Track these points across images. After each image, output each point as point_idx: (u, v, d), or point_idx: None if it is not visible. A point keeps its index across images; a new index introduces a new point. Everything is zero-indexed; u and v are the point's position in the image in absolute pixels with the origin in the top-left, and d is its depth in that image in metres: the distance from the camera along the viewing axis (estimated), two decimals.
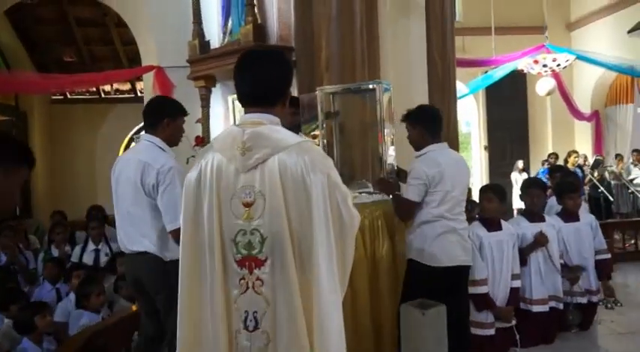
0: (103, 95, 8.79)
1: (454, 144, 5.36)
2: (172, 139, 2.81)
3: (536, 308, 3.68)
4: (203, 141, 4.84)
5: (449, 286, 3.03)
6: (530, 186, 3.99)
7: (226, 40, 4.75)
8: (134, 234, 2.69)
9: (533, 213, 3.90)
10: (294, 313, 1.64)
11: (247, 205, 1.71)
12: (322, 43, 3.88)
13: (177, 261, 1.80)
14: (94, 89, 8.43)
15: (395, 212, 3.19)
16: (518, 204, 7.89)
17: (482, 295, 3.42)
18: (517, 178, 9.41)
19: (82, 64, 7.97)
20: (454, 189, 3.00)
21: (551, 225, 3.89)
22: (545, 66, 8.14)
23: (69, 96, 8.74)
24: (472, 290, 3.36)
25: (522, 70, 8.56)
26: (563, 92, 9.71)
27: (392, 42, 5.17)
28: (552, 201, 4.67)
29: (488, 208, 3.57)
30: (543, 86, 8.71)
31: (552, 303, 3.76)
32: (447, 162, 3.00)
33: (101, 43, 6.51)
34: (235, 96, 4.70)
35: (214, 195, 1.73)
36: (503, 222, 3.63)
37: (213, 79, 4.84)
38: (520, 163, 9.66)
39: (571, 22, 11.56)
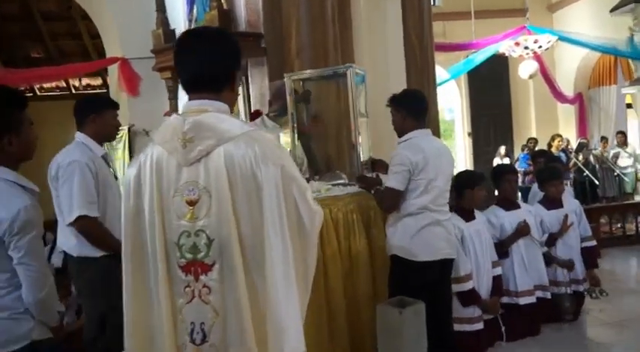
0: (73, 91, 8.49)
1: (435, 132, 5.18)
2: (103, 134, 2.73)
3: (523, 301, 3.54)
4: None
5: (434, 280, 2.89)
6: (505, 172, 3.83)
7: (193, 28, 4.52)
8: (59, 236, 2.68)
9: (508, 201, 3.74)
10: (246, 324, 1.46)
11: (191, 203, 1.51)
12: (292, 29, 3.70)
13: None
14: (64, 85, 8.13)
15: (378, 205, 3.01)
16: None
17: (468, 291, 3.27)
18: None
19: (49, 59, 7.68)
20: (437, 178, 2.83)
21: (528, 211, 3.75)
22: (526, 48, 7.97)
23: (38, 93, 8.43)
24: (457, 287, 3.21)
25: (504, 53, 8.39)
26: (546, 75, 9.58)
27: (367, 26, 4.98)
28: (535, 188, 4.54)
29: (478, 197, 3.41)
30: (525, 69, 8.56)
31: (539, 293, 3.63)
32: (430, 150, 2.83)
33: (68, 37, 6.24)
34: None
35: (155, 193, 1.54)
36: (475, 210, 3.48)
37: None
38: (502, 149, 9.53)
39: (552, 3, 11.42)
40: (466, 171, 3.65)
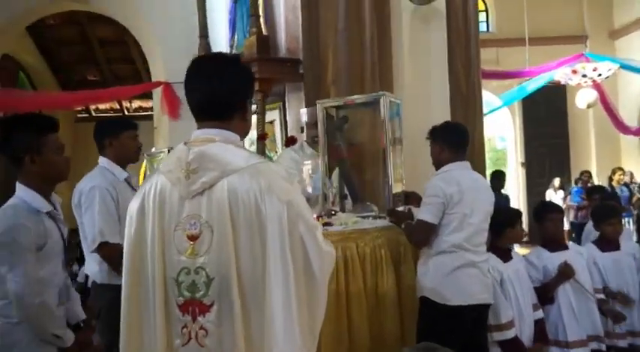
0: (126, 112, 8.81)
1: (480, 165, 4.94)
2: (123, 156, 2.68)
3: None
4: None
5: (467, 328, 2.68)
6: (548, 211, 3.51)
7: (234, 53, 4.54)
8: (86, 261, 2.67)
9: (554, 242, 3.43)
10: None
11: (192, 238, 1.43)
12: (329, 55, 3.66)
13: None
14: (118, 107, 8.44)
15: (408, 239, 2.85)
16: None
17: (511, 340, 2.98)
18: (552, 197, 8.79)
19: (104, 83, 8.01)
20: (473, 214, 2.65)
21: (578, 253, 3.42)
22: (584, 76, 7.58)
23: (93, 114, 8.80)
24: (499, 335, 2.92)
25: (559, 82, 8.02)
26: (606, 104, 9.07)
27: (410, 54, 4.86)
28: (589, 226, 4.20)
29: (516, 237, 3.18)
30: (583, 98, 8.13)
31: (594, 345, 3.25)
32: (467, 183, 2.68)
33: (123, 61, 6.48)
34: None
35: (156, 225, 1.47)
36: (512, 250, 3.24)
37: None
38: (557, 181, 9.05)
39: (614, 30, 10.90)
40: (503, 209, 3.40)
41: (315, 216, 3.04)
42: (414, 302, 2.84)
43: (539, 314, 3.18)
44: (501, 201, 6.33)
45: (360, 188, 3.34)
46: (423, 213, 2.66)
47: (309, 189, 3.31)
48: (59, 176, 2.10)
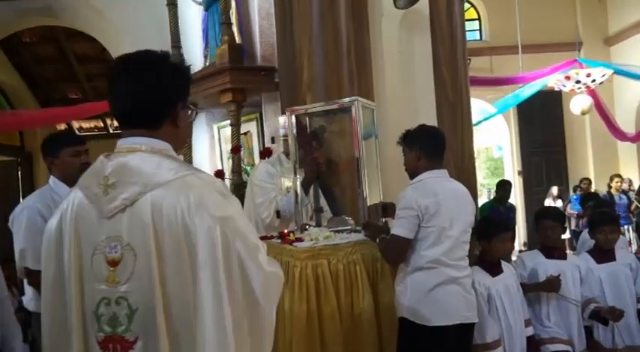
0: (110, 130, 8.64)
1: (470, 175, 4.73)
2: (68, 174, 2.43)
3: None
4: None
5: (450, 349, 2.48)
6: (543, 217, 3.31)
7: (208, 63, 4.38)
8: None
9: (550, 248, 3.23)
10: None
11: (113, 264, 1.24)
12: (304, 62, 3.50)
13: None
14: (102, 124, 8.27)
15: (382, 256, 2.62)
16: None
17: None
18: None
19: (86, 100, 7.83)
20: (452, 226, 2.44)
21: (575, 265, 3.21)
22: (578, 82, 7.42)
23: (78, 133, 8.64)
24: None
25: (553, 88, 7.85)
26: (601, 110, 8.90)
27: (392, 60, 4.70)
28: (585, 234, 3.99)
29: (504, 249, 2.96)
30: (578, 104, 7.97)
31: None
32: (444, 193, 2.46)
33: (104, 78, 6.31)
34: (222, 124, 4.36)
35: (73, 250, 1.28)
36: (503, 262, 3.01)
37: (194, 107, 4.45)
38: (554, 190, 8.83)
39: (609, 37, 10.75)
40: (489, 218, 3.19)
41: (285, 231, 2.87)
42: (393, 323, 2.62)
43: (530, 330, 2.98)
44: (508, 213, 6.16)
45: (337, 200, 3.13)
46: (397, 227, 2.45)
47: (285, 204, 3.08)
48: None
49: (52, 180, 2.47)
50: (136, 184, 1.24)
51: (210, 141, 4.79)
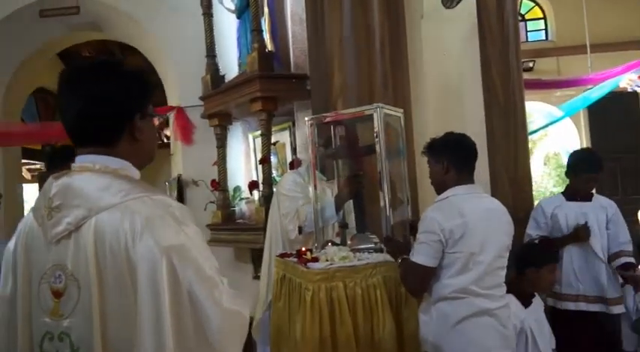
0: (165, 140, 8.78)
1: (525, 186, 4.35)
2: None
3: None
4: (219, 185, 4.34)
5: None
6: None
7: (240, 72, 4.29)
8: None
9: (575, 190, 3.10)
10: None
11: (57, 295, 1.12)
12: (335, 67, 3.33)
13: None
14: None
15: (402, 283, 2.34)
16: None
17: None
18: None
19: None
20: (483, 251, 2.11)
21: (601, 207, 3.03)
22: None
23: None
24: None
25: (625, 88, 7.19)
26: None
27: (437, 64, 4.40)
28: None
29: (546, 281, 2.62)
30: None
31: (597, 307, 2.95)
32: (474, 213, 2.14)
33: (157, 89, 6.42)
34: (256, 133, 4.24)
35: (22, 277, 1.17)
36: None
37: (228, 116, 4.39)
38: None
39: None
40: (533, 244, 2.84)
41: (303, 248, 2.67)
42: None
43: None
44: None
45: (362, 216, 2.89)
46: (417, 254, 2.16)
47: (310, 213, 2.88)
48: None
49: None
50: (80, 207, 1.11)
51: (245, 151, 4.70)
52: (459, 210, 2.14)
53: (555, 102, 9.14)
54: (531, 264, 2.54)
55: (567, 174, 3.19)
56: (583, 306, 2.95)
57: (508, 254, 2.27)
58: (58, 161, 2.44)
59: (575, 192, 3.11)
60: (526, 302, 2.51)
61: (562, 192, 3.21)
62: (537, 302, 2.59)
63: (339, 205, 2.83)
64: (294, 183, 3.06)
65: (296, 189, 3.02)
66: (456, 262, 2.11)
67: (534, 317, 2.50)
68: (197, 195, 4.54)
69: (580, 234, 2.92)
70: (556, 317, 2.85)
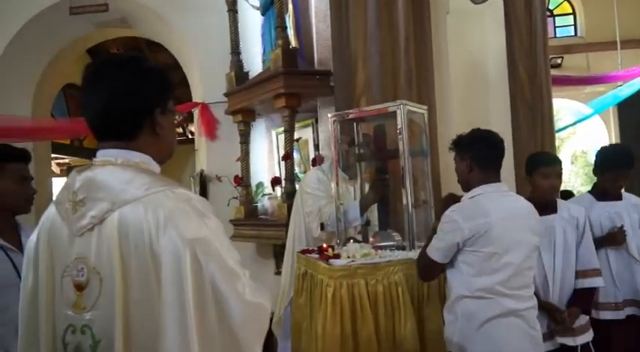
0: (189, 136, 8.89)
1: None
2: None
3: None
4: (242, 181, 4.37)
5: None
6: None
7: (264, 68, 4.30)
8: None
9: (603, 190, 2.96)
10: None
11: (79, 288, 1.14)
12: (358, 64, 3.32)
13: None
14: (181, 130, 8.54)
15: (416, 263, 2.32)
16: None
17: None
18: None
19: None
20: (509, 251, 2.06)
21: (634, 205, 2.91)
22: None
23: None
24: None
25: None
26: None
27: (463, 61, 4.35)
28: None
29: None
30: None
31: (630, 310, 2.81)
32: (499, 212, 2.09)
33: (182, 86, 6.50)
34: (280, 129, 4.26)
35: (45, 270, 1.19)
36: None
37: (252, 112, 4.40)
38: None
39: None
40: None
41: (325, 245, 2.67)
42: None
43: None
44: None
45: (385, 215, 2.88)
46: (433, 249, 2.14)
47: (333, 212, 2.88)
48: (12, 206, 1.95)
49: None
50: (104, 201, 1.12)
51: (269, 148, 4.72)
52: (483, 210, 2.09)
53: (584, 99, 8.96)
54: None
55: (595, 171, 3.03)
56: (622, 314, 2.80)
57: (536, 253, 2.22)
58: None
59: (604, 191, 2.95)
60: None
61: (589, 192, 3.05)
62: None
63: (363, 208, 2.82)
64: (317, 180, 3.06)
65: (319, 187, 3.02)
66: (478, 260, 2.07)
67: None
68: (220, 190, 4.58)
69: (617, 238, 2.78)
70: (595, 328, 2.65)
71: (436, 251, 2.12)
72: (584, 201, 2.95)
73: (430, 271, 2.20)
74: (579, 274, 2.62)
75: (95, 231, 1.12)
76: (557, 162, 2.74)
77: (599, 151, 3.08)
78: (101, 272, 1.10)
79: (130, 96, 1.18)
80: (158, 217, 1.07)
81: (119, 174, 1.15)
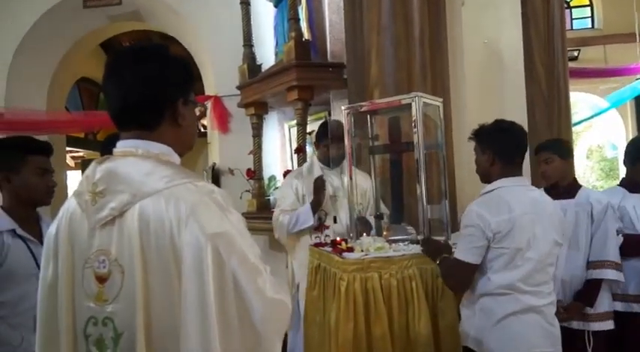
0: (202, 129, 8.91)
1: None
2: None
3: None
4: (254, 174, 4.37)
5: None
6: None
7: (276, 61, 4.28)
8: None
9: (634, 181, 2.88)
10: None
11: (101, 280, 1.13)
12: (372, 56, 3.27)
13: None
14: None
15: (444, 282, 2.28)
16: None
17: None
18: None
19: None
20: (531, 247, 2.01)
21: None
22: None
23: None
24: None
25: None
26: None
27: (478, 53, 4.29)
28: None
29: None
30: None
31: None
32: (522, 207, 2.03)
33: (196, 78, 6.52)
34: (292, 122, 4.25)
35: (65, 262, 1.18)
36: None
37: (265, 105, 4.39)
38: None
39: None
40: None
41: (338, 238, 2.66)
42: (455, 350, 2.31)
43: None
44: None
45: (400, 209, 2.85)
46: (460, 251, 2.07)
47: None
48: (34, 199, 1.95)
49: None
50: (124, 193, 1.11)
51: (281, 141, 4.71)
52: (506, 205, 2.03)
53: (601, 93, 8.82)
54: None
55: (625, 163, 2.96)
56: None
57: (558, 249, 2.18)
58: (112, 149, 2.46)
59: (636, 183, 2.88)
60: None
61: (619, 185, 2.98)
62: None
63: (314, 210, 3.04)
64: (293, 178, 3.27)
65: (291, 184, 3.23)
66: (501, 257, 2.02)
67: None
68: (232, 183, 4.58)
69: None
70: (627, 323, 2.60)
71: (466, 252, 2.05)
72: (617, 193, 2.87)
73: (464, 278, 2.10)
74: (590, 265, 2.62)
75: (116, 224, 1.11)
76: (541, 149, 2.75)
77: (630, 142, 3.02)
78: (123, 265, 1.09)
79: (153, 84, 1.16)
80: (180, 211, 1.06)
81: (140, 165, 1.13)
